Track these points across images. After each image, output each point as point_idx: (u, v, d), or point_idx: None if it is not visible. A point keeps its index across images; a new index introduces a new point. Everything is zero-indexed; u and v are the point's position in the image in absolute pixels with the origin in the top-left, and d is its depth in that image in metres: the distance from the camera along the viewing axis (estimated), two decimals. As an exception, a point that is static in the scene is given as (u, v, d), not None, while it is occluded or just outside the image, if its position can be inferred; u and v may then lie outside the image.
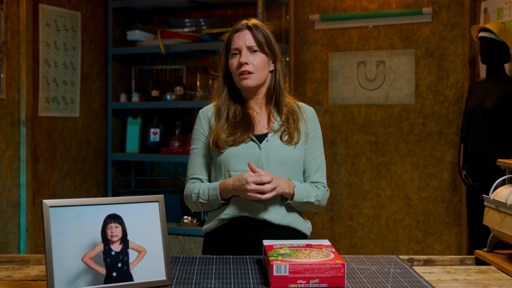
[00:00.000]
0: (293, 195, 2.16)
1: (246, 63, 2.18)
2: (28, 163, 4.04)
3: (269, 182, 2.06)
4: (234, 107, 2.25)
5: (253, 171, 2.08)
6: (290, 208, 2.22)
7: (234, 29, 2.24)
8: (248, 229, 2.18)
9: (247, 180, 2.06)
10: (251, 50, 2.21)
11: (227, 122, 2.23)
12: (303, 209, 2.26)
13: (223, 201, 2.18)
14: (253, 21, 2.25)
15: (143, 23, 5.13)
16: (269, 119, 2.26)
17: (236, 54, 2.22)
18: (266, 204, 2.17)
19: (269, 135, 2.22)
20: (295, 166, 2.23)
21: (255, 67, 2.20)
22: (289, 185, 2.16)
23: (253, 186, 2.05)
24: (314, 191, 2.22)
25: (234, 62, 2.21)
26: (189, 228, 4.64)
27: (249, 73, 2.19)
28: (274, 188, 2.08)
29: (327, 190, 2.29)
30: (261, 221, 2.17)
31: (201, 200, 2.21)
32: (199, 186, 2.23)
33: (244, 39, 2.21)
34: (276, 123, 2.25)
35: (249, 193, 2.06)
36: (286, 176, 2.18)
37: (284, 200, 2.19)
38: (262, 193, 2.07)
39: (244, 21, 2.25)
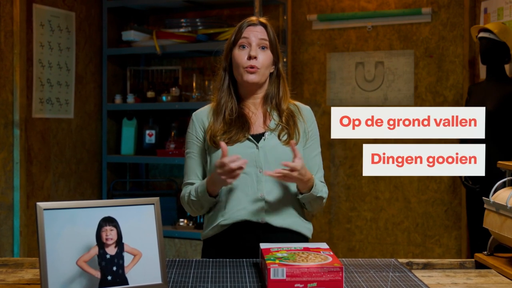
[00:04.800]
0: (311, 187, 2.12)
1: (255, 57, 2.17)
2: (22, 165, 4.00)
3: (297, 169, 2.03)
4: (231, 103, 2.23)
5: (286, 165, 2.02)
6: (290, 210, 2.19)
7: (245, 23, 2.23)
8: (249, 234, 2.15)
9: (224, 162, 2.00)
10: (260, 45, 2.20)
11: (223, 120, 2.21)
12: (312, 205, 2.20)
13: (211, 198, 2.13)
14: (264, 19, 2.26)
15: (139, 23, 5.10)
16: (265, 119, 2.24)
17: (244, 47, 2.20)
18: (266, 207, 2.14)
19: (266, 134, 2.20)
20: None
21: (262, 64, 2.19)
22: (311, 175, 2.12)
23: (234, 165, 1.99)
24: (323, 187, 2.20)
25: (241, 54, 2.19)
26: (185, 231, 4.61)
27: (256, 68, 2.17)
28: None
29: (327, 190, 2.27)
30: (262, 225, 2.15)
31: (192, 198, 2.18)
32: (191, 187, 2.21)
33: (257, 33, 2.21)
34: (273, 121, 2.22)
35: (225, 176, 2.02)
36: None
37: (299, 193, 2.15)
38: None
39: (255, 18, 2.25)
